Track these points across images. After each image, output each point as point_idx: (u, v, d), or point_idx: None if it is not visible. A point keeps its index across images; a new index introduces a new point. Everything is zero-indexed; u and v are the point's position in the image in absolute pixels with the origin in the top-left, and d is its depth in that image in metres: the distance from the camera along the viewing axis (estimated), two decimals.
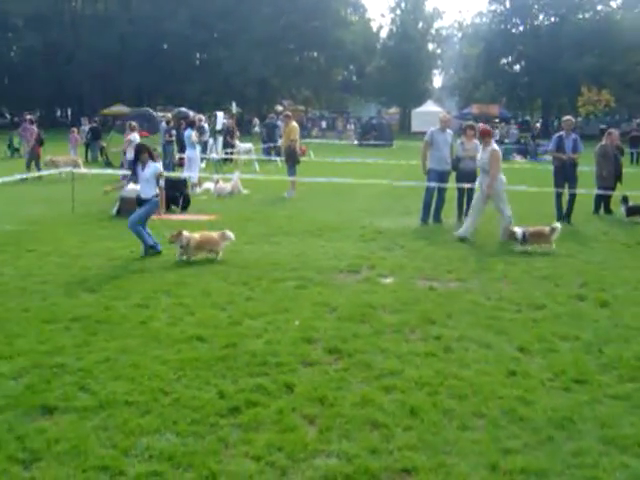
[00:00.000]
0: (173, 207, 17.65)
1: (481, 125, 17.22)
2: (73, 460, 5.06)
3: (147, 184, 12.26)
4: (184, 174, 21.29)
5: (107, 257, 11.85)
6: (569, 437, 5.50)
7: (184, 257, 11.57)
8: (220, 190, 20.75)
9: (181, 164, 26.25)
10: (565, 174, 16.24)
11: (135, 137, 22.63)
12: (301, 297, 9.39)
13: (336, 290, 9.77)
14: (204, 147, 27.82)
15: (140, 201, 12.37)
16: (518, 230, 12.81)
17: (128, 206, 16.46)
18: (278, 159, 27.90)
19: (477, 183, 14.45)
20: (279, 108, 48.47)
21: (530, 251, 12.62)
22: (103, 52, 75.69)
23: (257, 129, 39.59)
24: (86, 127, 36.84)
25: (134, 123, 24.68)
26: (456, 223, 15.46)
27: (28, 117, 31.67)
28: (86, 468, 4.95)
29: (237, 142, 32.29)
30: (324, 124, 70.62)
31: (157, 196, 12.26)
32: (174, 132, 27.18)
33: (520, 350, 7.47)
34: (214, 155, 29.27)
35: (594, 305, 9.23)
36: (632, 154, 36.12)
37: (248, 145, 32.69)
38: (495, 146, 13.99)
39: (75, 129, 34.02)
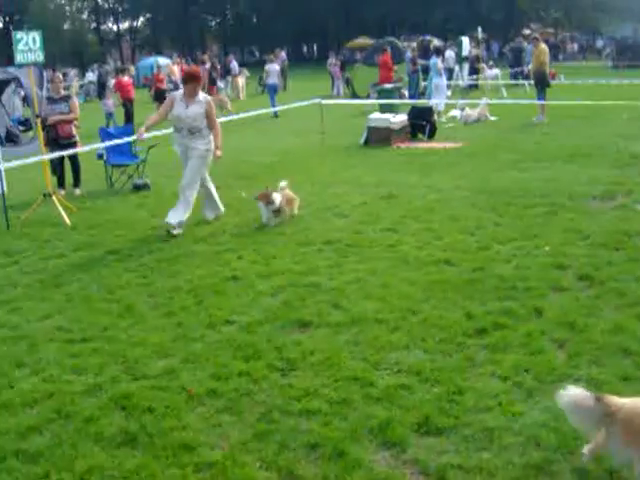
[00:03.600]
0: (420, 135, 17.70)
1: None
2: (326, 370, 5.37)
3: None
4: (431, 102, 21.21)
5: (356, 184, 12.21)
6: None
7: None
8: (467, 117, 20.51)
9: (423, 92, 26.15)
10: None
11: (273, 67, 26.91)
12: (552, 223, 9.12)
13: (589, 217, 9.36)
14: (449, 74, 27.46)
15: None
16: (277, 196, 9.69)
17: (376, 136, 16.79)
18: (526, 83, 26.93)
19: (178, 148, 10.17)
20: (526, 31, 46.40)
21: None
22: None
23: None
24: (332, 60, 37.64)
25: (272, 56, 29.49)
26: None
27: (200, 58, 32.88)
28: (338, 378, 5.23)
29: (484, 67, 31.51)
30: (576, 46, 66.73)
31: None
32: (419, 61, 27.05)
33: None
34: (460, 82, 28.85)
35: None
36: None
37: (495, 70, 31.82)
38: (206, 96, 10.15)
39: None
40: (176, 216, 9.62)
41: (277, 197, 9.64)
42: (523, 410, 4.67)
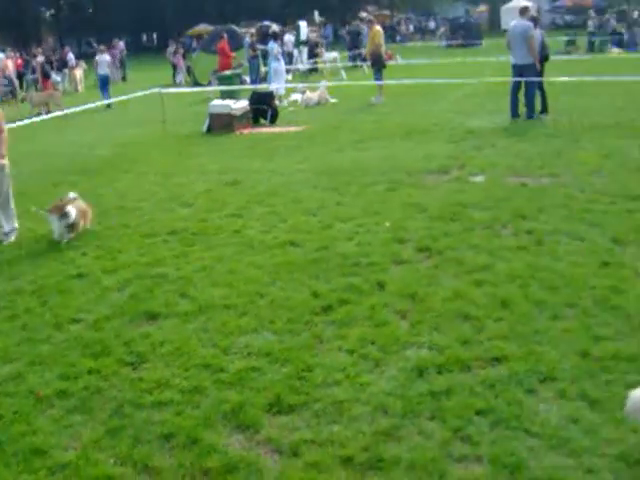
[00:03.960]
0: (262, 120, 17.78)
1: None
2: (177, 360, 5.37)
3: None
4: (271, 86, 21.32)
5: (200, 172, 12.15)
6: None
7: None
8: (307, 100, 20.76)
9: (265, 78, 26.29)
10: None
11: (104, 58, 26.78)
12: (391, 199, 9.44)
13: (426, 191, 9.76)
14: (289, 58, 27.71)
15: None
16: (72, 210, 8.56)
17: (218, 122, 16.72)
18: (364, 65, 27.57)
19: None
20: (363, 14, 47.40)
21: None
22: None
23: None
24: (172, 49, 37.13)
25: (103, 47, 28.85)
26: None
27: (33, 51, 32.13)
28: (189, 367, 5.25)
29: (323, 51, 31.98)
30: (411, 27, 68.58)
31: None
32: (258, 46, 27.13)
33: (614, 241, 7.29)
34: (300, 66, 29.15)
35: None
36: None
37: (333, 54, 32.35)
38: None
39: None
40: (7, 225, 9.09)
41: (72, 210, 8.56)
42: (370, 380, 4.85)
